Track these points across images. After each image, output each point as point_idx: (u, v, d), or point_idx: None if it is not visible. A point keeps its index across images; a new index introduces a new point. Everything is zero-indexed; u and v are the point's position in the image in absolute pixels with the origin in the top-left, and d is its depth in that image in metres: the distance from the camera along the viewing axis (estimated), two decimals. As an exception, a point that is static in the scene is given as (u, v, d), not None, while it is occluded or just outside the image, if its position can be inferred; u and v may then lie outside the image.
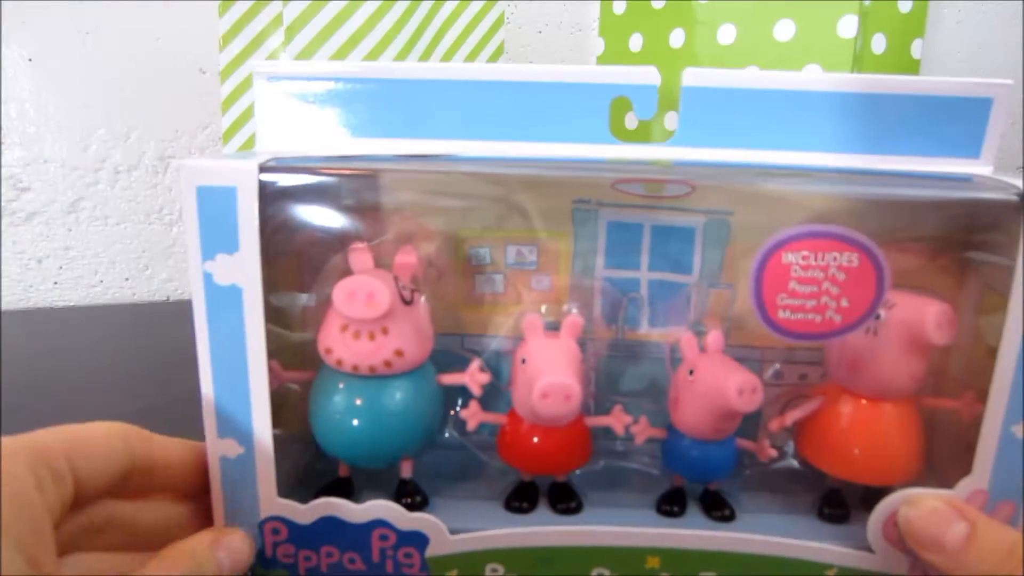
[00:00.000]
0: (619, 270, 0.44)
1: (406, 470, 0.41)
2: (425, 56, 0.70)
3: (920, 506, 0.35)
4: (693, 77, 0.37)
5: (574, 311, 0.41)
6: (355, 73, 0.37)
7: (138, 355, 0.79)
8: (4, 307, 0.90)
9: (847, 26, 0.61)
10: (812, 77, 0.37)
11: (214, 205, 0.33)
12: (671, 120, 0.67)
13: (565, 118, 0.37)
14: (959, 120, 0.37)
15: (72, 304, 0.93)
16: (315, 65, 0.39)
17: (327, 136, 0.38)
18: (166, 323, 0.88)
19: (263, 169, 0.33)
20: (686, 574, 0.39)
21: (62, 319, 0.89)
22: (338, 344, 0.37)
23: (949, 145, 0.37)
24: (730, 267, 0.43)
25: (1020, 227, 0.32)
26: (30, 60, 0.85)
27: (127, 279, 0.94)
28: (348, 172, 0.38)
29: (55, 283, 0.92)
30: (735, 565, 0.38)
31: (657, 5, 0.74)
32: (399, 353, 0.37)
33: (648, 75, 0.37)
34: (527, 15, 0.95)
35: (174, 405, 0.62)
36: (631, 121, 0.72)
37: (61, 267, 0.91)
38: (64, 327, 0.87)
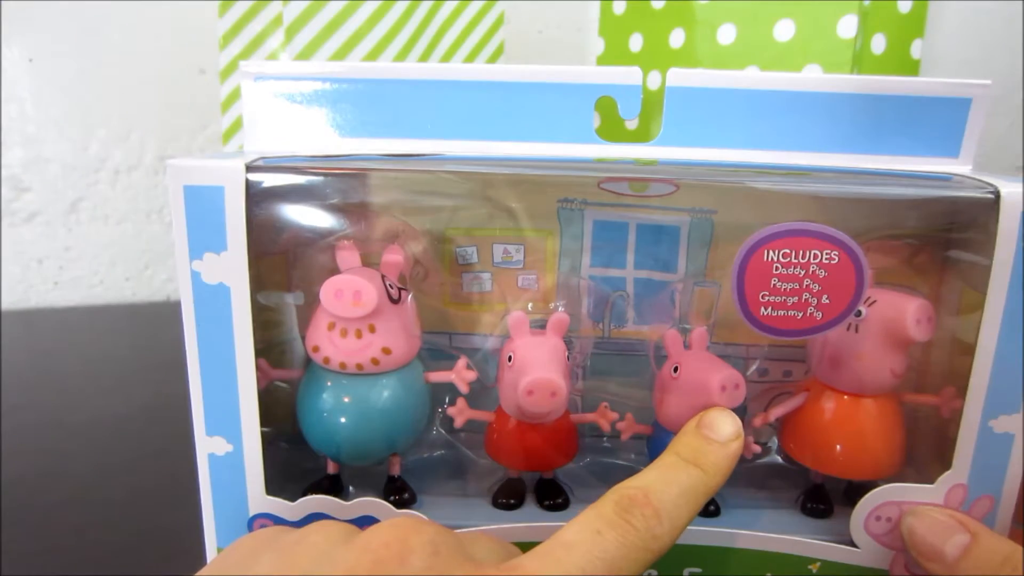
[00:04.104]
0: (605, 268, 0.45)
1: (394, 467, 0.42)
2: (425, 56, 0.70)
3: (923, 517, 0.36)
4: (676, 77, 0.37)
5: (560, 309, 0.41)
6: (342, 73, 0.38)
7: (138, 355, 0.79)
8: (4, 307, 0.91)
9: (847, 26, 0.61)
10: (794, 77, 0.37)
11: (202, 204, 0.33)
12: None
13: (551, 118, 0.38)
14: (939, 120, 0.37)
15: (72, 304, 0.93)
16: (302, 65, 0.39)
17: (315, 136, 0.38)
18: (166, 323, 0.88)
19: (250, 168, 0.34)
20: (671, 569, 0.39)
21: (62, 319, 0.89)
22: (325, 342, 0.38)
23: (929, 145, 0.37)
24: (715, 265, 0.44)
25: (997, 225, 0.33)
26: (30, 60, 0.85)
27: (127, 279, 0.95)
28: (335, 171, 0.38)
29: (55, 283, 0.92)
30: (720, 560, 0.39)
31: (657, 5, 0.74)
32: (386, 351, 0.38)
33: (632, 75, 0.37)
34: (527, 15, 0.95)
35: (173, 404, 0.63)
36: (631, 122, 0.72)
37: (61, 267, 0.92)
38: (64, 327, 0.87)
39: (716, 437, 0.33)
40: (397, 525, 0.28)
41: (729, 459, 0.33)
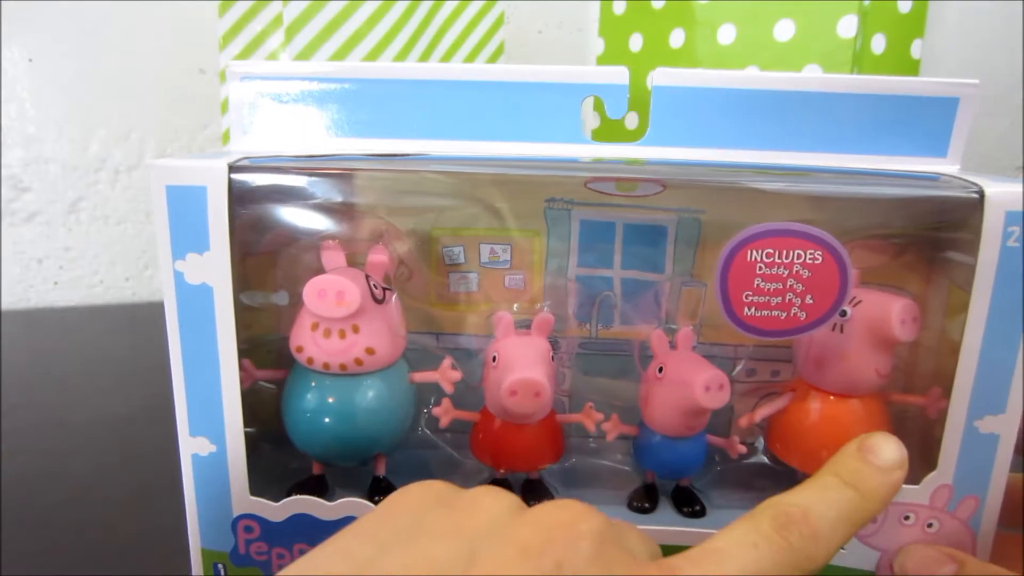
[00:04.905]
0: (592, 268, 0.44)
1: (379, 467, 0.42)
2: (425, 56, 0.70)
3: (912, 554, 0.36)
4: (663, 77, 0.37)
5: (546, 309, 0.41)
6: (329, 73, 0.38)
7: (138, 355, 0.79)
8: (4, 307, 0.91)
9: (847, 26, 0.61)
10: (782, 76, 0.37)
11: (184, 205, 0.33)
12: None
13: (538, 118, 0.38)
14: (927, 120, 0.37)
15: (72, 304, 0.94)
16: (289, 65, 0.39)
17: (301, 136, 0.38)
18: (166, 323, 0.88)
19: (233, 169, 0.34)
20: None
21: (62, 319, 0.89)
22: (309, 342, 0.37)
23: (917, 145, 0.37)
24: (702, 265, 0.43)
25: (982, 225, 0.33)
26: (30, 60, 0.86)
27: (127, 279, 0.95)
28: (319, 171, 0.38)
29: (55, 283, 0.92)
30: (706, 561, 0.39)
31: (657, 5, 0.74)
32: (370, 351, 0.38)
33: (618, 75, 0.37)
34: (527, 15, 0.95)
35: (173, 404, 0.63)
36: (631, 122, 0.72)
37: (61, 267, 0.92)
38: (64, 327, 0.88)
39: (878, 462, 0.32)
40: (567, 507, 0.28)
41: (889, 487, 0.31)
